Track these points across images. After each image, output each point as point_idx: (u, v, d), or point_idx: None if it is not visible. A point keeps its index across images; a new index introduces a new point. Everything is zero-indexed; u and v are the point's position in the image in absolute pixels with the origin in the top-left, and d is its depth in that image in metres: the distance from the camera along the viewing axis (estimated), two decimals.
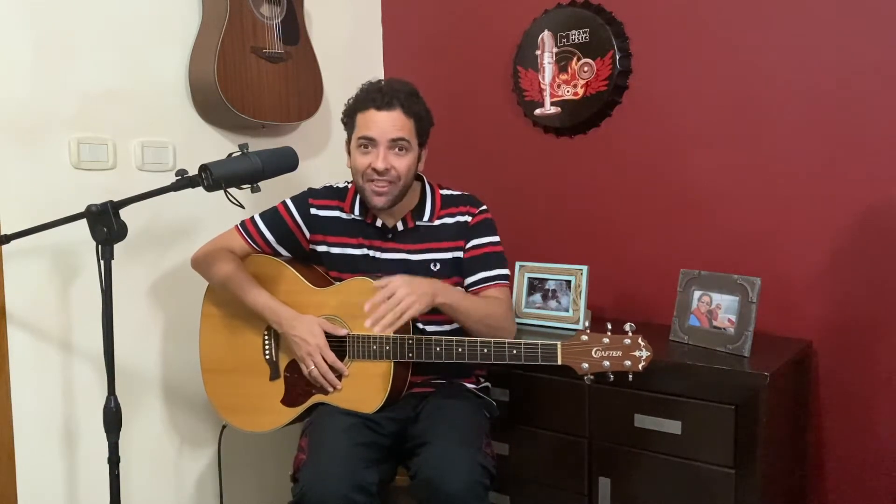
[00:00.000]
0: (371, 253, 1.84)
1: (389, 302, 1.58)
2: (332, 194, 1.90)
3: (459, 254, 1.85)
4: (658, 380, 1.79)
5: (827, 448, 2.03)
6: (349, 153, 1.83)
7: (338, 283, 1.83)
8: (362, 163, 1.76)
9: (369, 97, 1.76)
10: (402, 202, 1.83)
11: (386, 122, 1.73)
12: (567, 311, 2.18)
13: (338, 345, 1.77)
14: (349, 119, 1.82)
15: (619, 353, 1.59)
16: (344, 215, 1.87)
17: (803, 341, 1.99)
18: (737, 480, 1.72)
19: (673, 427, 1.79)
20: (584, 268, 2.17)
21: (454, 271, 1.85)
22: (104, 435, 1.56)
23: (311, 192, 1.91)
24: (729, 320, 1.87)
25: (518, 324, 2.22)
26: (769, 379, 1.68)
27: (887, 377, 1.93)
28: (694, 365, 1.77)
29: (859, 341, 1.97)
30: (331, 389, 1.75)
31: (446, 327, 1.83)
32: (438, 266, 1.83)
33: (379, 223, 1.85)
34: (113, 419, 1.56)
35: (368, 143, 1.75)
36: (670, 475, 1.81)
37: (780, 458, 1.85)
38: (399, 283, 1.60)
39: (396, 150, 1.75)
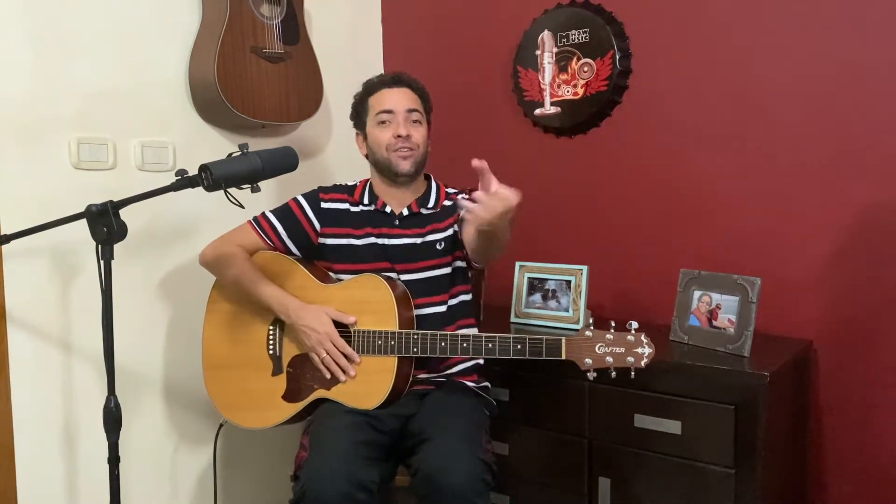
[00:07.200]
0: (378, 241, 1.87)
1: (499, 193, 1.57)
2: (340, 189, 1.96)
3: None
4: (658, 380, 1.79)
5: (827, 448, 2.03)
6: (365, 140, 1.91)
7: (345, 279, 1.84)
8: (384, 136, 1.86)
9: (378, 81, 1.91)
10: (411, 189, 1.91)
11: (400, 96, 1.88)
12: (567, 311, 2.18)
13: (343, 339, 1.78)
14: (361, 105, 1.92)
15: (623, 350, 1.59)
16: (351, 208, 1.91)
17: (803, 341, 1.99)
18: (737, 480, 1.72)
19: (673, 427, 1.79)
20: (584, 268, 2.17)
21: (455, 247, 1.89)
22: (104, 435, 1.56)
23: (321, 189, 1.96)
24: (729, 320, 1.87)
25: (518, 324, 2.24)
26: (769, 379, 1.68)
27: (887, 377, 1.93)
28: (694, 365, 1.78)
29: (859, 341, 1.97)
30: (343, 377, 1.76)
31: (441, 308, 1.86)
32: (443, 245, 1.88)
33: (388, 209, 1.89)
34: (113, 419, 1.56)
35: (387, 115, 1.86)
36: (670, 475, 1.81)
37: (780, 458, 1.85)
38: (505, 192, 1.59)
39: (412, 120, 1.87)
